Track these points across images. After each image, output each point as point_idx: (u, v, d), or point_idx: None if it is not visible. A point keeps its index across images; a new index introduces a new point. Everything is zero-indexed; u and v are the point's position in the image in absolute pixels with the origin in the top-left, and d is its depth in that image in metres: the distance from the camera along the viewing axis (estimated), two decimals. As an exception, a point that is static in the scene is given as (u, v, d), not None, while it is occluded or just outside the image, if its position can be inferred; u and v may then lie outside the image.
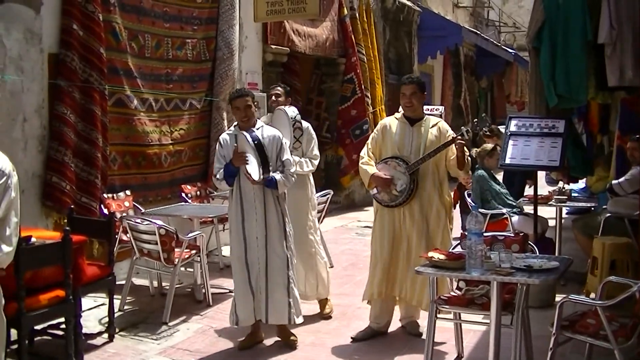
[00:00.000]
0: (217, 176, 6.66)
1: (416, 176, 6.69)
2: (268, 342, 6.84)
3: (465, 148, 6.65)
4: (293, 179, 6.71)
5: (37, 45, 7.92)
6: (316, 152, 7.81)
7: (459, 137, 6.58)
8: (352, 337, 6.92)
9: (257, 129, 6.65)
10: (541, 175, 12.18)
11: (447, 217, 6.87)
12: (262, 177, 6.39)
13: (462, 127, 6.76)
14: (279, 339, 6.84)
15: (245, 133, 6.44)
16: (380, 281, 6.86)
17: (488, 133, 10.77)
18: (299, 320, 6.78)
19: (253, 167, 6.40)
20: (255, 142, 6.38)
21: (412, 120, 6.85)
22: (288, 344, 6.73)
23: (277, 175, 6.53)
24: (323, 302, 7.79)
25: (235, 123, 6.79)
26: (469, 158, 6.78)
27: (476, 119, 7.09)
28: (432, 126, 6.84)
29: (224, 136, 6.79)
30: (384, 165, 6.80)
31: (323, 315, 7.68)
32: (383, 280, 6.85)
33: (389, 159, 6.80)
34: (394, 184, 6.70)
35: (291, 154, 6.99)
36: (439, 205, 6.78)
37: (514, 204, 9.47)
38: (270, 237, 6.60)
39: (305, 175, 7.68)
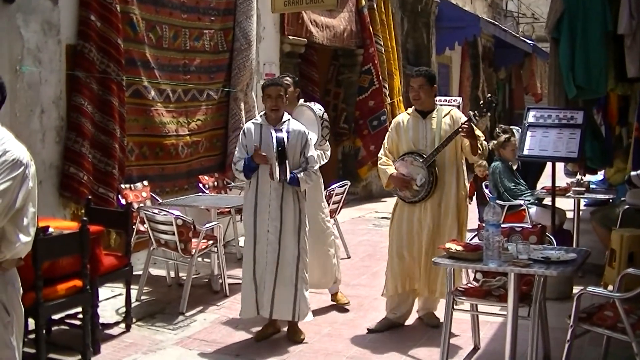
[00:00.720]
0: (237, 166, 6.64)
1: (434, 168, 6.67)
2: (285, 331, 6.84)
3: (478, 132, 6.61)
4: (315, 176, 6.69)
5: (55, 36, 7.95)
6: (327, 143, 7.76)
7: (466, 123, 6.53)
8: (368, 328, 6.91)
9: (284, 122, 6.63)
10: (560, 166, 12.14)
11: (464, 209, 6.86)
12: (279, 180, 6.38)
13: (470, 112, 6.70)
14: (287, 334, 6.80)
15: (272, 132, 6.41)
16: (398, 276, 6.84)
17: (501, 133, 10.71)
18: (308, 318, 6.75)
19: (274, 168, 6.39)
20: (279, 149, 6.33)
21: (424, 113, 6.83)
22: (295, 341, 6.67)
23: (300, 174, 6.50)
24: (337, 295, 7.79)
25: (263, 112, 6.77)
26: (484, 143, 6.73)
27: (482, 102, 7.03)
28: (445, 115, 6.80)
29: (249, 125, 6.76)
30: (401, 163, 6.78)
31: (344, 303, 7.69)
32: (401, 275, 6.84)
33: (405, 156, 6.78)
34: (414, 179, 6.68)
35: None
36: (457, 196, 6.77)
37: (527, 198, 9.44)
38: (285, 233, 6.56)
39: None
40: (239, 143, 6.72)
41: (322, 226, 7.60)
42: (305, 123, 7.29)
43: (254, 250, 6.60)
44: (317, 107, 7.59)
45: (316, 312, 7.25)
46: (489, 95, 9.48)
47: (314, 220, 7.36)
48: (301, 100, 7.70)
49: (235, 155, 6.71)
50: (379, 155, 6.99)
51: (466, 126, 6.46)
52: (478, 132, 6.62)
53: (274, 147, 6.31)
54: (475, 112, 6.68)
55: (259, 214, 6.57)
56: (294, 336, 6.70)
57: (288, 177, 6.39)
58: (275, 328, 6.81)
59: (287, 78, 7.71)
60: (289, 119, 6.69)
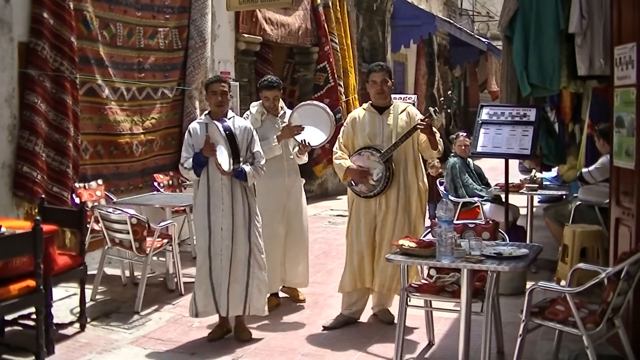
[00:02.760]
0: (185, 165, 6.57)
1: (391, 163, 6.70)
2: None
3: (434, 129, 6.65)
4: (262, 171, 6.68)
5: (7, 34, 7.86)
6: None
7: (426, 118, 6.58)
8: (323, 326, 6.93)
9: (229, 118, 6.63)
10: (514, 163, 12.24)
11: (424, 201, 6.91)
12: (232, 167, 6.38)
13: (430, 108, 6.75)
14: (234, 332, 6.75)
15: (217, 122, 6.42)
16: (355, 273, 6.87)
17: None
18: (260, 313, 6.76)
19: (223, 158, 6.38)
20: (227, 132, 6.35)
21: (381, 109, 6.87)
22: (242, 340, 6.62)
23: (247, 167, 6.50)
24: (295, 290, 7.84)
25: (207, 112, 6.76)
26: (441, 140, 6.78)
27: (442, 98, 7.11)
28: (402, 112, 6.86)
29: (194, 125, 6.73)
30: (358, 157, 6.80)
31: (300, 301, 7.77)
32: (358, 272, 6.86)
33: (362, 150, 6.80)
34: (370, 173, 6.71)
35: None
36: (418, 188, 6.81)
37: (483, 194, 9.55)
38: (236, 229, 6.57)
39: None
40: (185, 143, 6.67)
41: (305, 227, 7.81)
42: (315, 120, 7.37)
43: (209, 249, 6.57)
44: (324, 106, 7.72)
45: (271, 310, 7.26)
46: (449, 92, 9.55)
47: (299, 219, 7.70)
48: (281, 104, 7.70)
49: (183, 156, 6.65)
50: (334, 149, 7.01)
51: (426, 122, 6.51)
52: (434, 129, 6.66)
53: (222, 132, 6.33)
54: (435, 108, 6.74)
55: (212, 212, 6.55)
56: (241, 335, 6.66)
57: (241, 164, 6.43)
58: (227, 328, 6.77)
59: (280, 82, 7.70)
60: (233, 116, 6.71)
